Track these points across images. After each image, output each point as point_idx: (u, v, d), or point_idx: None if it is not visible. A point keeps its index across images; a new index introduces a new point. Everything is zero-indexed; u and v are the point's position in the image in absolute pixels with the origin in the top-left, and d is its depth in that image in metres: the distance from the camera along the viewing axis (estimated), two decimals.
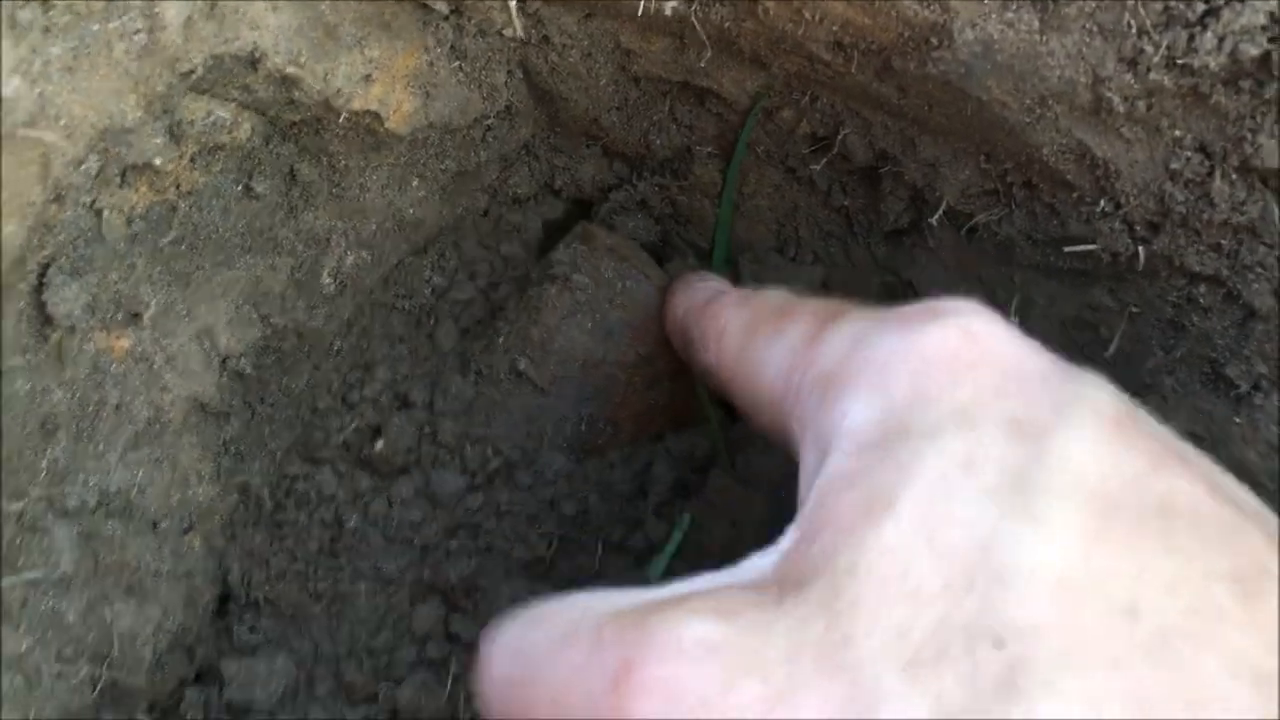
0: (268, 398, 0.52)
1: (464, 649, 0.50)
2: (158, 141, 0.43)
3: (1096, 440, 0.30)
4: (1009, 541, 0.28)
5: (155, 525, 0.46)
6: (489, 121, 0.54)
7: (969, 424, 0.31)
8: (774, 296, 0.43)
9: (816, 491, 0.32)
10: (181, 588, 0.48)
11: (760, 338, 0.41)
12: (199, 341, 0.48)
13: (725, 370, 0.44)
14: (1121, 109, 0.41)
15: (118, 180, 0.43)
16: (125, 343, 0.44)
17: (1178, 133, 0.41)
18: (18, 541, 0.41)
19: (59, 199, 0.40)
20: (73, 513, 0.43)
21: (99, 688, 0.42)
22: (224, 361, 0.49)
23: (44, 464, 0.42)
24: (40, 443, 0.42)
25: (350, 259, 0.54)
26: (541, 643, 0.33)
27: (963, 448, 0.30)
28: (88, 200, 0.42)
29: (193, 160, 0.46)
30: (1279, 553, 0.29)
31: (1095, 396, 0.31)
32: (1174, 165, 0.42)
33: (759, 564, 0.32)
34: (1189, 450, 0.32)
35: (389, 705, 0.48)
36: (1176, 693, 0.26)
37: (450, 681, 0.49)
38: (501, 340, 0.54)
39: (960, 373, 0.32)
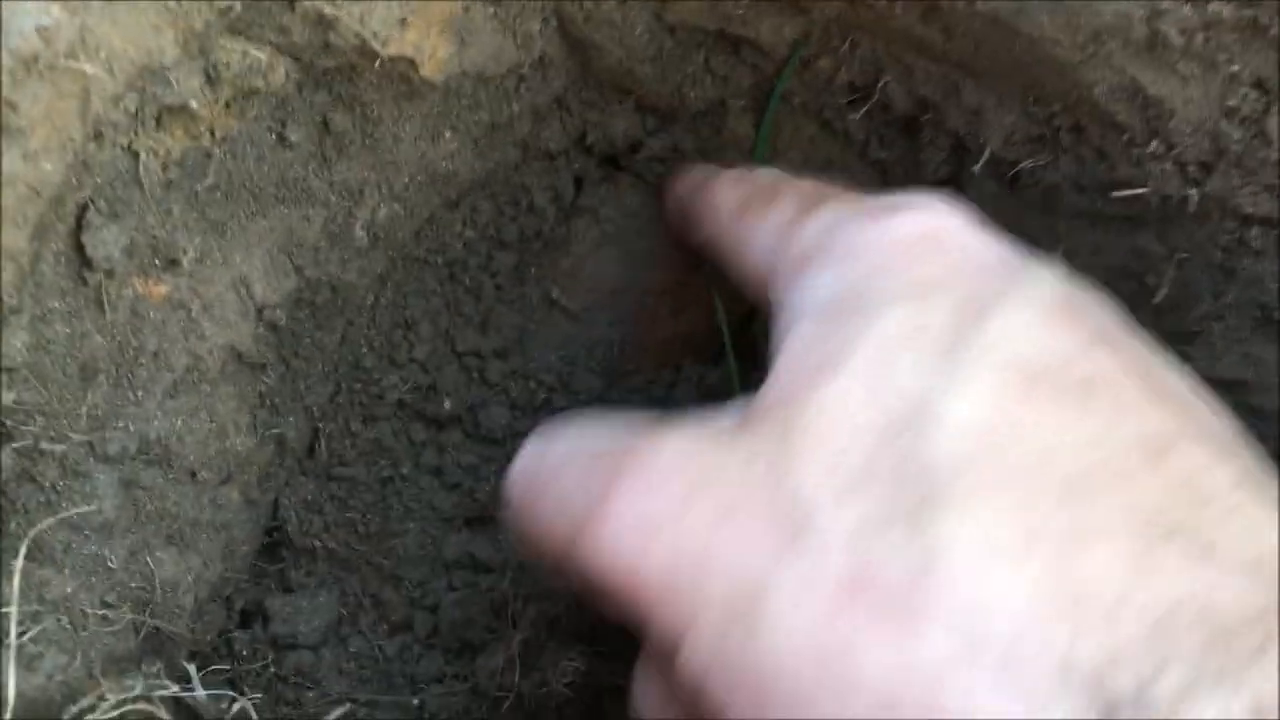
0: (301, 351, 0.52)
1: (488, 574, 0.50)
2: (194, 83, 0.42)
3: (1032, 322, 0.33)
4: (938, 397, 0.32)
5: (194, 475, 0.46)
6: (523, 71, 0.54)
7: (919, 297, 0.35)
8: (765, 175, 0.48)
9: (782, 350, 0.36)
10: (221, 538, 0.47)
11: (749, 216, 0.45)
12: (235, 290, 0.47)
13: (719, 246, 0.47)
14: (1178, 43, 0.40)
15: (154, 122, 0.42)
16: (163, 289, 0.44)
17: (1235, 68, 0.41)
18: (60, 485, 0.40)
19: (98, 137, 0.40)
20: (114, 458, 0.42)
21: (142, 634, 0.42)
22: (260, 312, 0.48)
23: (84, 409, 0.41)
24: (80, 387, 0.41)
25: (383, 212, 0.53)
26: (558, 452, 0.38)
27: (911, 317, 0.34)
28: (125, 142, 0.41)
29: (227, 105, 0.45)
30: (1190, 427, 0.32)
31: (1041, 283, 0.35)
32: (1230, 102, 0.41)
33: (733, 409, 0.36)
34: (1130, 336, 0.35)
35: (424, 629, 0.48)
36: (1072, 529, 0.29)
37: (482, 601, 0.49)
38: (534, 271, 0.55)
39: (918, 256, 0.36)
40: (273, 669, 0.46)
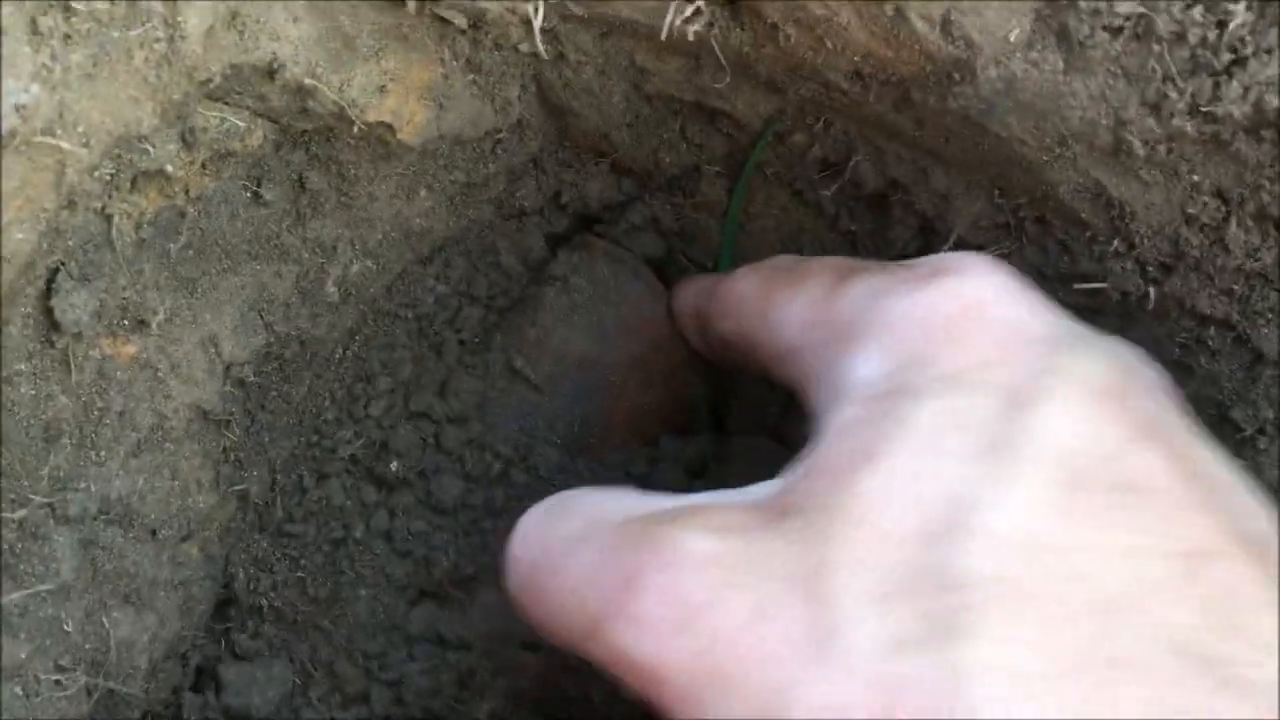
0: (268, 405, 0.52)
1: (455, 650, 0.50)
2: (171, 148, 0.43)
3: (1078, 413, 0.32)
4: (980, 500, 0.31)
5: (155, 533, 0.46)
6: (500, 135, 0.54)
7: (962, 389, 0.33)
8: (785, 260, 0.46)
9: (823, 436, 0.35)
10: (178, 596, 0.47)
11: (778, 295, 0.43)
12: (204, 349, 0.47)
13: (746, 333, 0.46)
14: (1142, 152, 0.41)
15: (129, 186, 0.42)
16: (131, 349, 0.44)
17: (1196, 178, 0.42)
18: (19, 549, 0.40)
19: (71, 205, 0.40)
20: (74, 520, 0.42)
21: (95, 697, 0.42)
22: (227, 369, 0.48)
23: (46, 471, 0.42)
24: (43, 449, 0.41)
25: (355, 267, 0.53)
26: (565, 536, 0.37)
27: (953, 410, 0.33)
28: (98, 206, 0.41)
29: (203, 166, 0.45)
30: (1229, 534, 0.31)
31: (1087, 368, 0.33)
32: (1190, 209, 0.42)
33: (761, 491, 0.35)
34: (1177, 425, 0.34)
35: (382, 702, 0.48)
36: (1102, 653, 0.28)
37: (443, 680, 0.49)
38: (499, 338, 0.55)
39: (958, 339, 0.35)
40: None
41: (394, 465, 0.52)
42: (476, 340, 0.57)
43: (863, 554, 0.31)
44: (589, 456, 0.54)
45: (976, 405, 0.33)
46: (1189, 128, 0.40)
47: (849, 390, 0.36)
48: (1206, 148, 0.41)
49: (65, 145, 0.37)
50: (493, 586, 0.50)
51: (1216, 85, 0.39)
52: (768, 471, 0.53)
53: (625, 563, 0.34)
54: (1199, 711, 0.28)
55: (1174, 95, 0.40)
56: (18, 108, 0.35)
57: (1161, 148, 0.41)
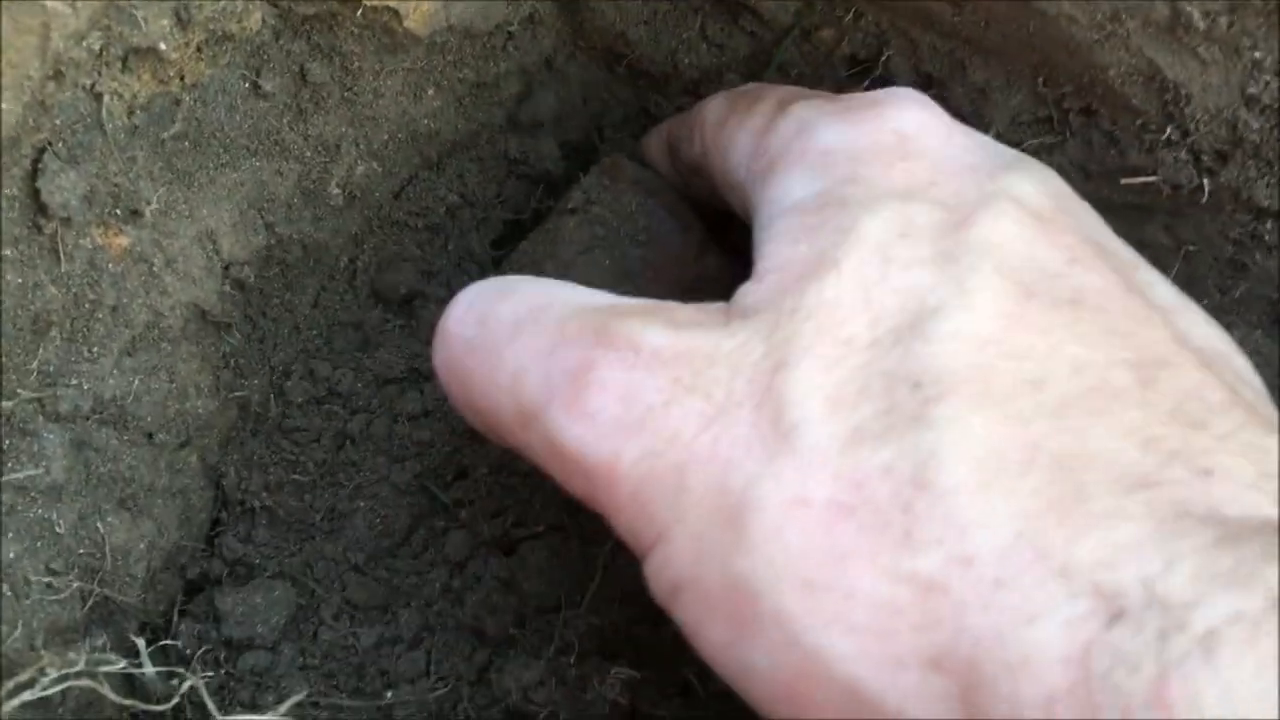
0: (269, 311, 0.49)
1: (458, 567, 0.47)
2: (164, 23, 0.40)
3: (1024, 231, 0.33)
4: (936, 306, 0.31)
5: (151, 437, 0.43)
6: (511, 29, 0.51)
7: (905, 202, 0.34)
8: (747, 88, 0.46)
9: (763, 251, 0.35)
10: (177, 504, 0.45)
11: (729, 125, 0.43)
12: (201, 245, 0.45)
13: (706, 159, 0.46)
14: (1201, 26, 0.39)
15: (120, 64, 0.40)
16: (124, 241, 0.42)
17: (1259, 54, 0.39)
18: (6, 444, 0.38)
19: (58, 76, 0.37)
20: (65, 417, 0.40)
21: (89, 603, 0.40)
22: (226, 269, 0.46)
23: (34, 364, 0.39)
24: (31, 341, 0.39)
25: (360, 169, 0.51)
26: (507, 318, 0.36)
27: (898, 220, 0.33)
28: (87, 83, 0.39)
29: (199, 50, 0.43)
30: (1179, 346, 0.31)
31: (1028, 190, 0.34)
32: (1251, 90, 0.40)
33: (711, 308, 0.34)
34: (1113, 245, 0.35)
35: (408, 618, 0.45)
36: (1067, 446, 0.28)
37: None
38: (511, 269, 0.51)
39: (895, 164, 0.35)
40: (225, 669, 0.43)
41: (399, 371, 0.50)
42: (493, 243, 0.55)
43: (820, 356, 0.31)
44: None
45: (921, 218, 0.33)
46: None
47: (782, 208, 0.36)
48: (1270, 20, 0.38)
49: (49, 4, 0.34)
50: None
51: None
52: None
53: (577, 353, 0.33)
54: (1174, 485, 0.27)
55: None
56: None
57: (1223, 20, 0.38)
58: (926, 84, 0.49)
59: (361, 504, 0.47)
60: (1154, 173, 0.43)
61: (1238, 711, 0.24)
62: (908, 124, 0.37)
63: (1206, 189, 0.43)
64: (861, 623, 0.28)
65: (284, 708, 0.37)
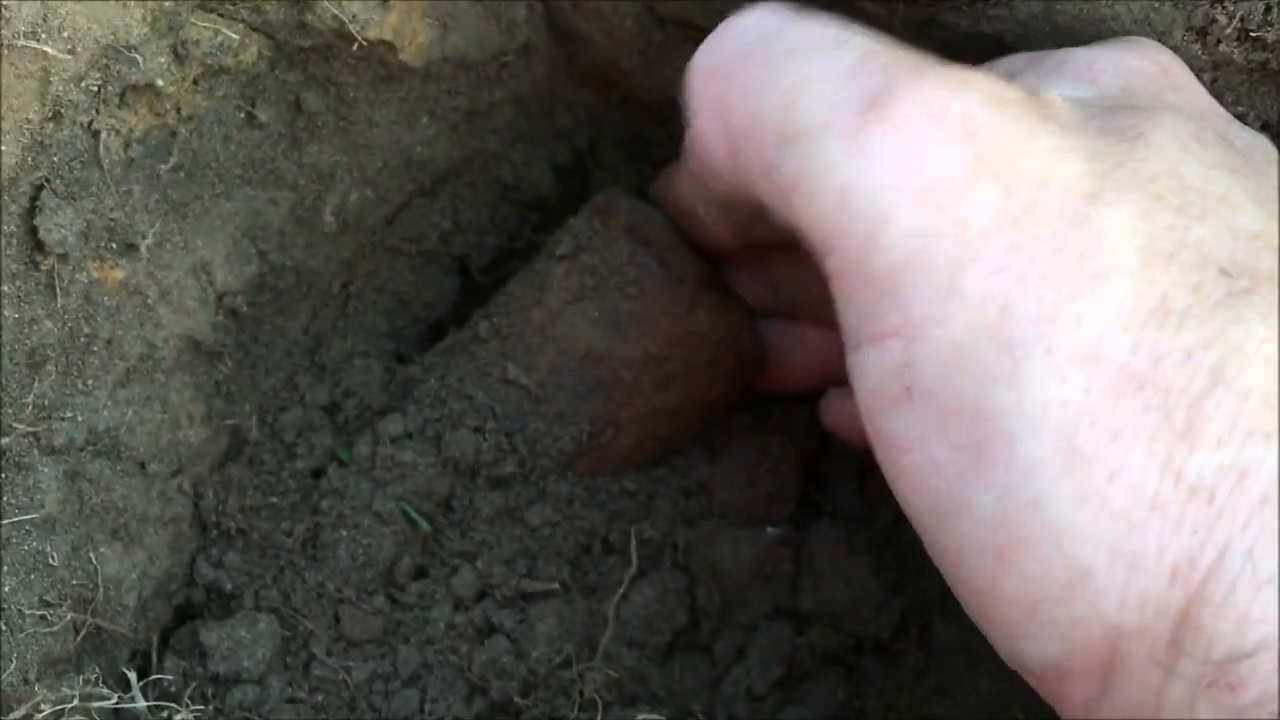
0: (262, 338, 0.50)
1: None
2: (161, 61, 0.40)
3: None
4: (1237, 204, 0.30)
5: (144, 467, 0.44)
6: (506, 59, 0.52)
7: (1187, 118, 0.32)
8: None
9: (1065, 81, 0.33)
10: (168, 533, 0.46)
11: None
12: (195, 276, 0.45)
13: None
14: None
15: (117, 101, 0.40)
16: (119, 274, 0.42)
17: (1241, 108, 0.40)
18: (2, 478, 0.38)
19: (56, 117, 0.38)
20: (59, 450, 0.40)
21: (81, 634, 0.40)
22: (220, 298, 0.46)
23: (30, 398, 0.40)
24: (27, 376, 0.40)
25: (354, 196, 0.51)
26: (808, 33, 0.32)
27: (1189, 128, 0.31)
28: (85, 120, 0.39)
29: (195, 83, 0.43)
30: None
31: (1271, 150, 0.34)
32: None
33: (1011, 85, 0.31)
34: None
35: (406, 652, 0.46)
36: None
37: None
38: (491, 323, 0.49)
39: (1167, 89, 0.34)
40: (214, 704, 0.43)
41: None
42: (483, 272, 0.55)
43: (1136, 203, 0.29)
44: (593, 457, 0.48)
45: (1205, 133, 0.32)
46: (1236, 55, 0.38)
47: (1077, 78, 0.34)
48: (1253, 77, 0.39)
49: (50, 50, 0.35)
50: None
51: (1267, 9, 0.37)
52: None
53: (881, 80, 0.30)
54: None
55: (1222, 20, 0.38)
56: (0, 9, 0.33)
57: (1206, 76, 0.39)
58: None
59: (344, 533, 0.47)
60: None
61: None
62: (1167, 59, 0.36)
63: None
64: (1118, 509, 0.27)
65: None
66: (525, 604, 0.46)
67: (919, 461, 0.30)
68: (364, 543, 0.46)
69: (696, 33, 0.52)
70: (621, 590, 0.46)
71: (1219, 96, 0.40)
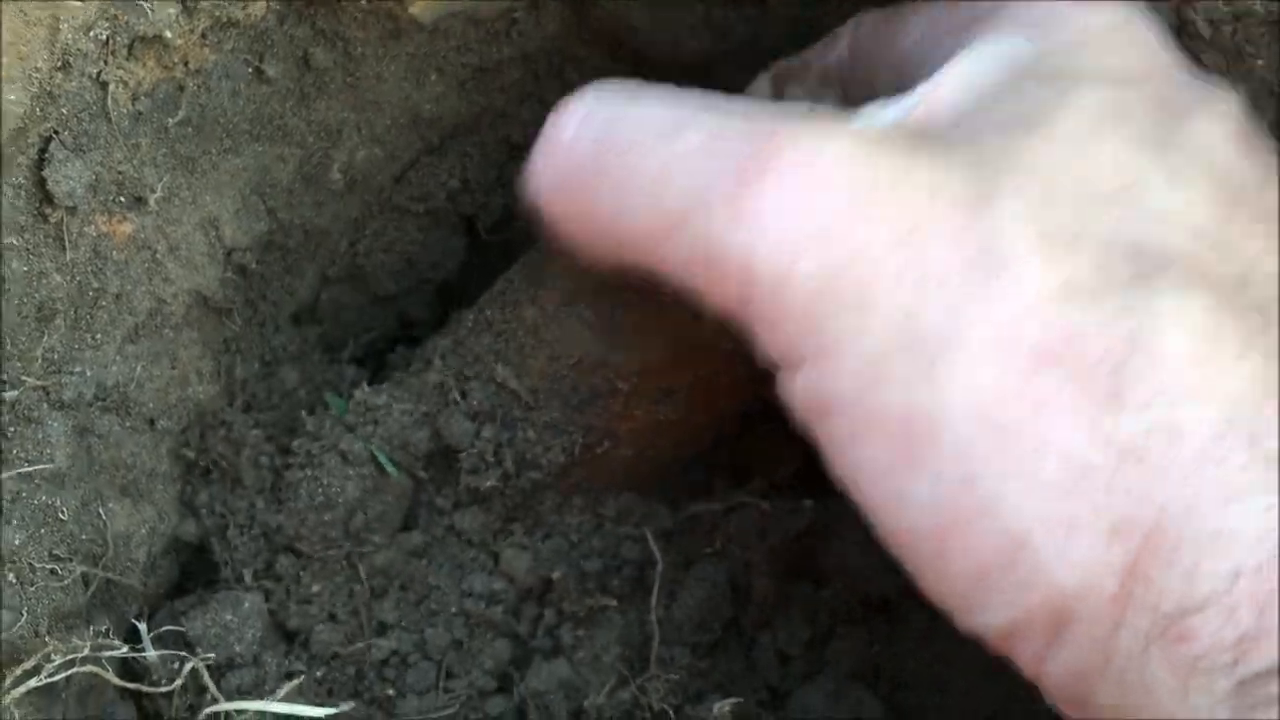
0: (270, 296, 0.50)
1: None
2: (170, 12, 0.40)
3: (1227, 139, 0.33)
4: (1152, 185, 0.31)
5: (153, 423, 0.44)
6: (515, 15, 0.51)
7: (1120, 85, 0.33)
8: None
9: (947, 73, 0.33)
10: (176, 490, 0.45)
11: (904, 10, 0.41)
12: (204, 231, 0.45)
13: (853, 67, 0.44)
14: (1206, 33, 0.39)
15: (125, 52, 0.40)
16: (128, 228, 0.42)
17: (1261, 62, 0.39)
18: (11, 431, 0.38)
19: (65, 66, 0.37)
20: (69, 405, 0.40)
21: (92, 589, 0.40)
22: (228, 254, 0.46)
23: (39, 352, 0.39)
24: (36, 329, 0.39)
25: (362, 154, 0.51)
26: (645, 117, 0.33)
27: (1114, 100, 0.32)
28: (93, 71, 0.39)
29: (203, 36, 0.42)
30: None
31: (1226, 105, 0.34)
32: (1257, 97, 0.40)
33: (873, 114, 0.33)
34: None
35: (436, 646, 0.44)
36: (1268, 331, 0.29)
37: None
38: (489, 314, 0.46)
39: (1117, 47, 0.34)
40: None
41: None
42: (491, 231, 0.54)
43: (1031, 197, 0.30)
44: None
45: (1136, 104, 0.32)
46: (1258, 5, 0.38)
47: (985, 54, 0.34)
48: (1274, 30, 0.39)
49: None
50: None
51: None
52: None
53: (749, 148, 0.31)
54: None
55: None
56: None
57: (1227, 28, 0.39)
58: None
59: (307, 472, 0.44)
60: None
61: None
62: (1125, 16, 0.35)
63: None
64: (1048, 478, 0.28)
65: (282, 692, 0.38)
66: (575, 625, 0.45)
67: (853, 464, 0.31)
68: (324, 483, 0.44)
69: None
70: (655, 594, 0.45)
71: (1239, 50, 0.39)
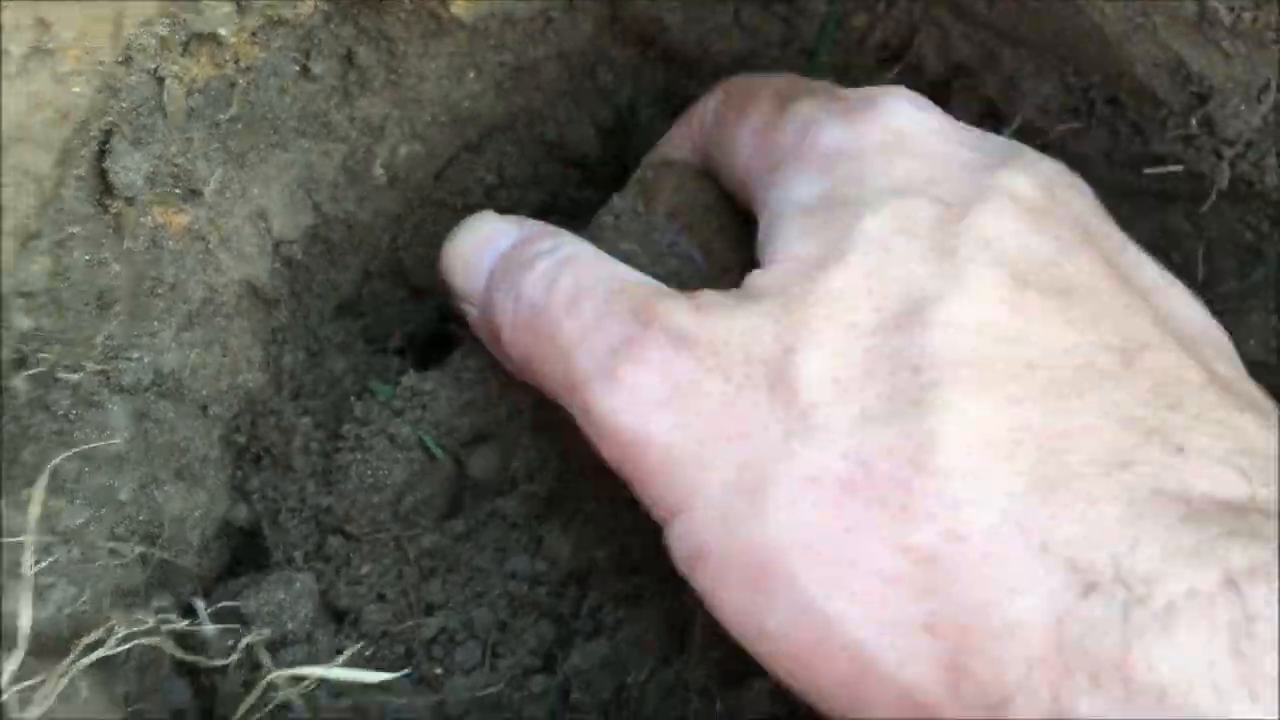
0: (315, 288, 0.51)
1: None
2: (225, 10, 0.41)
3: (1015, 224, 0.35)
4: (935, 295, 0.33)
5: (205, 410, 0.45)
6: (551, 14, 0.53)
7: (903, 199, 0.36)
8: (738, 83, 0.48)
9: (771, 245, 0.38)
10: (227, 476, 0.47)
11: (728, 123, 0.46)
12: (254, 224, 0.46)
13: (707, 155, 0.48)
14: (1226, 20, 0.40)
15: (181, 48, 0.41)
16: (183, 219, 0.43)
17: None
18: (73, 414, 0.40)
19: (127, 61, 0.39)
20: (128, 389, 0.41)
21: (150, 568, 0.41)
22: (276, 246, 0.48)
23: (99, 338, 0.41)
24: (96, 316, 0.41)
25: (404, 150, 0.52)
26: (566, 289, 0.39)
27: (898, 217, 0.35)
28: (152, 67, 0.40)
29: (254, 34, 0.44)
30: (1161, 329, 0.34)
31: (1014, 183, 0.36)
32: (1274, 81, 0.41)
33: (727, 295, 0.37)
34: (1103, 228, 0.38)
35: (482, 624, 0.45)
36: (1056, 426, 0.31)
37: None
38: None
39: (894, 162, 0.38)
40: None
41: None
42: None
43: (828, 341, 0.34)
44: None
45: (920, 214, 0.35)
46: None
47: (789, 208, 0.38)
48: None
49: None
50: None
51: None
52: None
53: (619, 331, 0.37)
54: (1148, 465, 0.30)
55: None
56: None
57: (1247, 15, 0.40)
58: (957, 72, 0.50)
59: (357, 455, 0.45)
60: (1178, 163, 0.45)
61: (1190, 678, 0.27)
62: (905, 122, 0.39)
63: (1228, 177, 0.44)
64: (864, 590, 0.31)
65: (340, 659, 0.39)
66: (616, 606, 0.46)
67: (723, 608, 0.34)
68: (373, 465, 0.45)
69: None
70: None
71: (1260, 35, 0.40)
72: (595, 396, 0.36)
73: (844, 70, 0.55)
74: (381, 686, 0.40)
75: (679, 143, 0.52)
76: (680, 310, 0.36)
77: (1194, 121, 0.43)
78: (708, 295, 0.37)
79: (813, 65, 0.54)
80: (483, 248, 0.44)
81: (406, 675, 0.42)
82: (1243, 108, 0.42)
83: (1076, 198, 0.38)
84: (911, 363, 0.32)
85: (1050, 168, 0.38)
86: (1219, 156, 0.44)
